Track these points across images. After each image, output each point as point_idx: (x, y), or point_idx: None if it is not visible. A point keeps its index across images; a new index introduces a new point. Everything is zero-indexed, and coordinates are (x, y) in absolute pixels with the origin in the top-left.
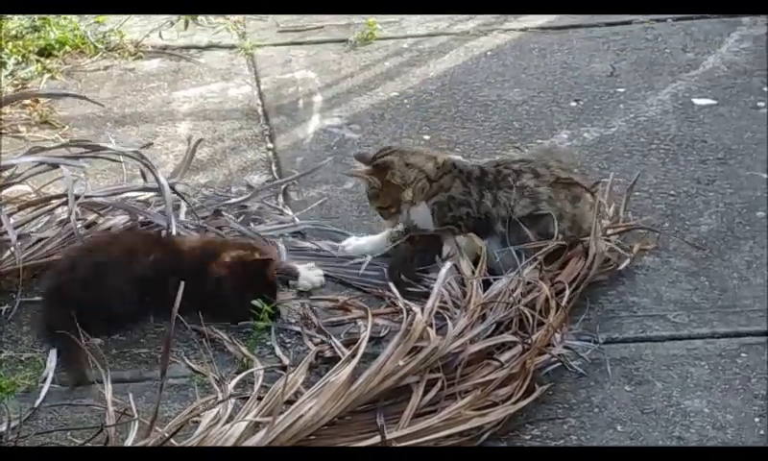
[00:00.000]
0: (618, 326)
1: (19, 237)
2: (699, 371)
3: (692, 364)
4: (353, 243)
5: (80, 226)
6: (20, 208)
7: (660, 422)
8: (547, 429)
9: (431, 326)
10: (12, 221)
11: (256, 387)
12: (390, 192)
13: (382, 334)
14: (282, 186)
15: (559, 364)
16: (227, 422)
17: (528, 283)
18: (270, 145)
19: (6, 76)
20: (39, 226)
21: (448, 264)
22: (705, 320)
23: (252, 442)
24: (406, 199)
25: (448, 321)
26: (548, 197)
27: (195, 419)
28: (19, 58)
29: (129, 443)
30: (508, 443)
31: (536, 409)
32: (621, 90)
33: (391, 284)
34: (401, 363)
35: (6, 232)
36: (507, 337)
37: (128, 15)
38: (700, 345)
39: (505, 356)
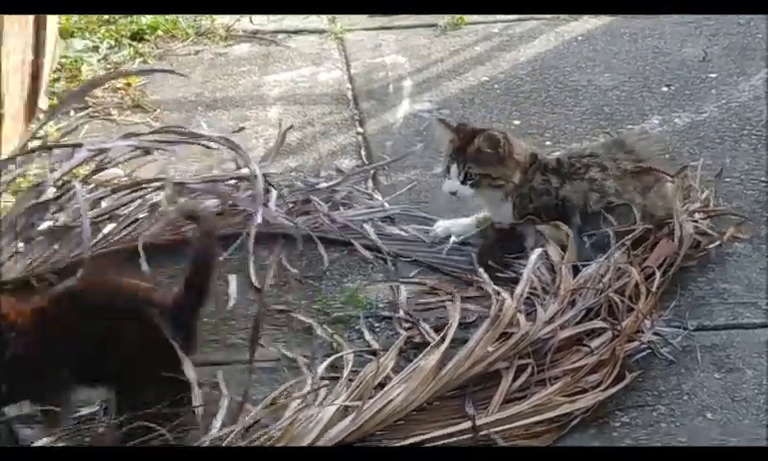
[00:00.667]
0: (709, 313)
1: (109, 219)
2: None
3: None
4: (443, 225)
5: (171, 209)
6: (113, 192)
7: (751, 409)
8: (637, 416)
9: (520, 311)
10: (104, 204)
11: (346, 371)
12: (504, 165)
13: (471, 319)
14: (372, 171)
15: (649, 351)
16: (316, 405)
17: (618, 269)
18: (360, 129)
19: (99, 60)
20: (131, 209)
21: (538, 250)
22: None
23: (341, 426)
24: (513, 180)
25: (538, 306)
26: (615, 190)
27: (284, 402)
28: (112, 42)
29: (217, 424)
30: (597, 430)
31: (625, 396)
32: (713, 76)
33: (480, 269)
34: (491, 349)
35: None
36: (597, 323)
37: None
38: None
39: (595, 343)
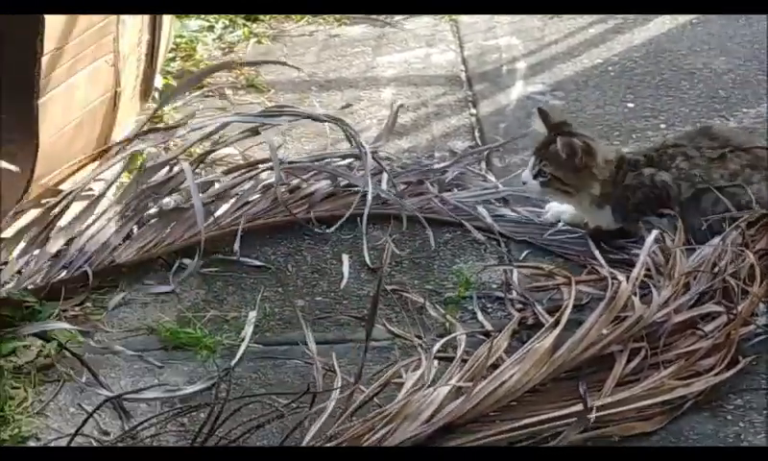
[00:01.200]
0: None
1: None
2: None
3: None
4: (554, 209)
5: (283, 190)
6: (225, 173)
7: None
8: (750, 400)
9: (635, 294)
10: (217, 186)
11: (459, 351)
12: (579, 176)
13: (585, 302)
14: (485, 153)
15: (764, 336)
16: (429, 385)
17: (733, 252)
18: (473, 111)
19: (214, 39)
20: (245, 189)
21: (655, 232)
22: None
23: (453, 406)
24: (591, 191)
25: (653, 289)
26: (701, 178)
27: (397, 381)
28: (227, 22)
29: (332, 403)
30: (711, 413)
31: (739, 379)
32: None
33: (595, 251)
34: (605, 332)
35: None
36: (711, 307)
37: None
38: None
39: (709, 327)
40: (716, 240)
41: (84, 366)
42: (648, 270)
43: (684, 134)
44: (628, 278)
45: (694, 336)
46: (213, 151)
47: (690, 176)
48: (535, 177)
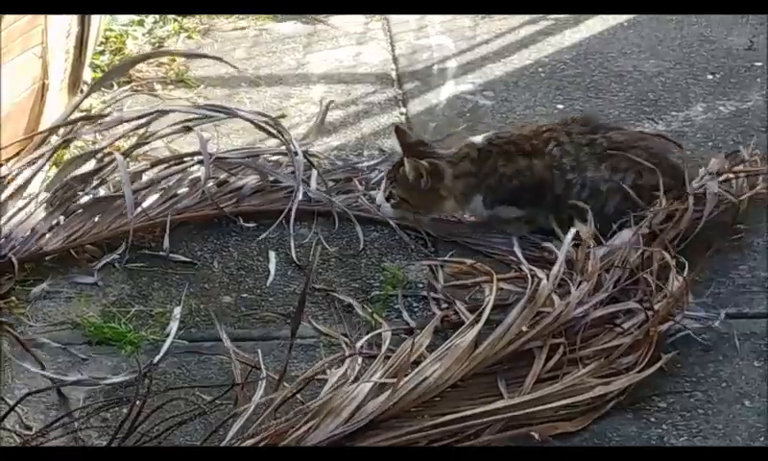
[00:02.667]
0: (749, 301)
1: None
2: None
3: None
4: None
5: (211, 184)
6: (153, 165)
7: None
8: (674, 402)
9: (556, 292)
10: (145, 178)
11: (383, 349)
12: (427, 197)
13: (507, 300)
14: None
15: (685, 333)
16: (353, 382)
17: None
18: (403, 110)
19: (144, 34)
20: (171, 183)
21: (573, 230)
22: None
23: (377, 402)
24: (441, 211)
25: (571, 286)
26: (571, 167)
27: (322, 377)
28: (157, 17)
29: (256, 399)
30: (634, 415)
31: (663, 381)
32: (759, 64)
33: (517, 250)
34: (524, 329)
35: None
36: (630, 304)
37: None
38: None
39: (627, 324)
40: (625, 234)
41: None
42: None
43: (559, 121)
44: (548, 275)
45: (612, 333)
46: (142, 144)
47: (561, 165)
48: (387, 199)
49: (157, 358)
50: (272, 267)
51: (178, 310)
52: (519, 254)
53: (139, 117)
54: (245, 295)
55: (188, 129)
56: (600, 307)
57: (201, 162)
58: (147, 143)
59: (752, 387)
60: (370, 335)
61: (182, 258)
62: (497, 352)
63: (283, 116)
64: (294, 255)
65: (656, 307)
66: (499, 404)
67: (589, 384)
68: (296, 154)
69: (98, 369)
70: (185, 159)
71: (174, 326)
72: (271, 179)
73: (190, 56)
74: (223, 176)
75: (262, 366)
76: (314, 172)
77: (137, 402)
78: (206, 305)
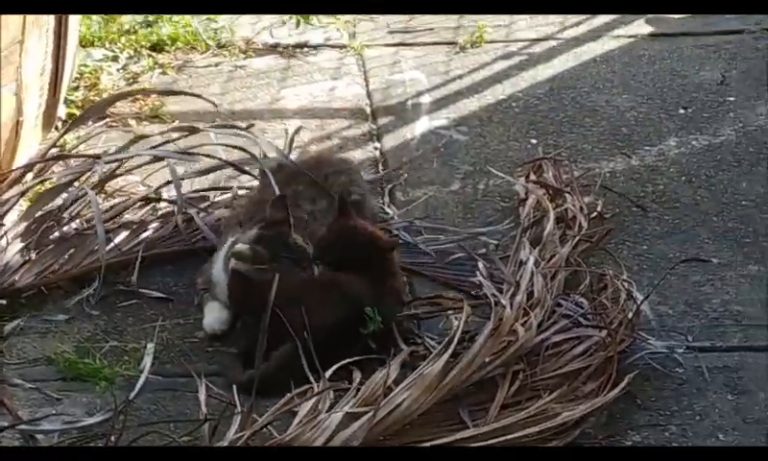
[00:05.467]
0: (722, 334)
1: (122, 227)
2: None
3: None
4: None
5: (181, 219)
6: (126, 201)
7: (762, 431)
8: (648, 435)
9: (518, 320)
10: (117, 213)
11: (355, 382)
12: None
13: (472, 328)
14: (389, 186)
15: (657, 365)
16: (324, 413)
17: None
18: (377, 144)
19: (118, 69)
20: (144, 218)
21: (532, 258)
22: None
23: (348, 432)
24: None
25: (531, 314)
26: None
27: (294, 409)
28: (132, 52)
29: (230, 435)
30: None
31: (637, 415)
32: (731, 99)
33: (483, 281)
34: (487, 360)
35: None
36: (589, 331)
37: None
38: None
39: (580, 348)
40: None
41: None
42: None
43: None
44: (511, 303)
45: (571, 357)
46: (114, 177)
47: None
48: None
49: (132, 394)
50: None
51: (151, 346)
52: (487, 284)
53: (116, 160)
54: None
55: (159, 159)
56: (561, 333)
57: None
58: (118, 176)
59: (725, 421)
60: (336, 366)
61: (157, 294)
62: (464, 381)
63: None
64: None
65: (613, 329)
66: (466, 434)
67: (554, 411)
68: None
69: (72, 405)
70: (159, 193)
71: (148, 361)
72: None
73: (167, 93)
74: (193, 211)
75: (237, 401)
76: None
77: (112, 437)
78: (181, 341)
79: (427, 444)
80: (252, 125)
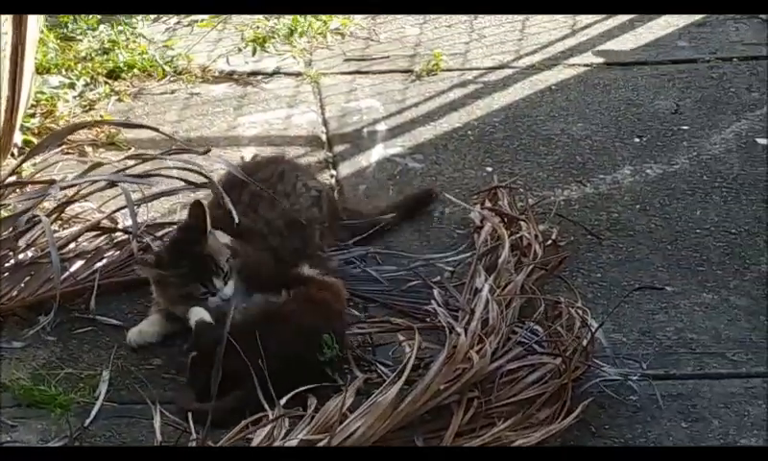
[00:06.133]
0: (676, 362)
1: (78, 256)
2: (756, 410)
3: (750, 403)
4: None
5: (137, 247)
6: (83, 228)
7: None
8: None
9: (473, 348)
10: (73, 241)
11: (310, 409)
12: None
13: (426, 355)
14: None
15: (610, 393)
16: (279, 440)
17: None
18: (333, 172)
19: (75, 96)
20: (100, 246)
21: (486, 286)
22: (763, 359)
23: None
24: None
25: (486, 341)
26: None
27: (249, 437)
28: (88, 79)
29: None
30: None
31: (592, 443)
32: (685, 128)
33: (438, 308)
34: (442, 387)
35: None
36: (544, 358)
37: (194, 39)
38: (758, 383)
39: (534, 376)
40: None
41: None
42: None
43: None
44: (466, 330)
45: (526, 385)
46: (70, 203)
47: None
48: None
49: (88, 421)
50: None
51: (107, 373)
52: (441, 311)
53: (71, 185)
54: (175, 357)
55: (114, 185)
56: (515, 361)
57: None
58: (73, 202)
59: None
60: (290, 394)
61: (112, 321)
62: (418, 409)
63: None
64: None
65: (567, 357)
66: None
67: (508, 438)
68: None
69: (28, 432)
70: (114, 222)
71: (104, 388)
72: None
73: (127, 125)
74: (148, 239)
75: (192, 428)
76: None
77: None
78: (137, 368)
79: None
80: (209, 150)
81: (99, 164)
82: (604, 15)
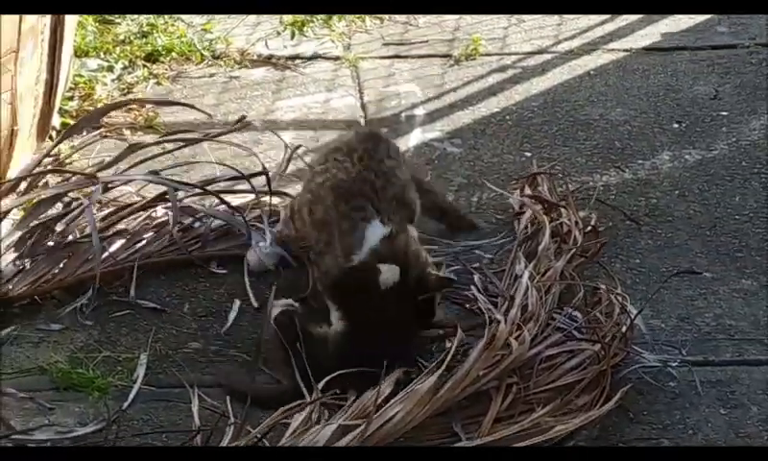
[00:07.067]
0: (715, 348)
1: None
2: None
3: None
4: None
5: (177, 229)
6: (118, 211)
7: (755, 446)
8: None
9: (512, 334)
10: (111, 223)
11: (350, 398)
12: None
13: (466, 342)
14: None
15: (649, 379)
16: (317, 426)
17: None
18: None
19: (113, 80)
20: (138, 228)
21: (527, 272)
22: None
23: (341, 444)
24: None
25: (524, 327)
26: None
27: (286, 421)
28: (126, 63)
29: (223, 445)
30: None
31: (630, 429)
32: (724, 114)
33: (477, 294)
34: (481, 373)
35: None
36: (583, 344)
37: (233, 23)
38: None
39: (573, 362)
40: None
41: None
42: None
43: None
44: (506, 318)
45: (564, 371)
46: (109, 189)
47: None
48: None
49: (126, 405)
50: (232, 315)
51: (144, 356)
52: (480, 297)
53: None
54: (213, 341)
55: (156, 173)
56: (554, 347)
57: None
58: (114, 187)
59: (718, 435)
60: (326, 378)
61: (150, 304)
62: (457, 395)
63: (252, 159)
64: (253, 301)
65: (607, 343)
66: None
67: (547, 424)
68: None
69: (65, 415)
70: (153, 204)
71: (141, 371)
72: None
73: (161, 103)
74: (189, 220)
75: (230, 412)
76: (282, 215)
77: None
78: (174, 351)
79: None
80: (245, 117)
81: (137, 145)
82: None
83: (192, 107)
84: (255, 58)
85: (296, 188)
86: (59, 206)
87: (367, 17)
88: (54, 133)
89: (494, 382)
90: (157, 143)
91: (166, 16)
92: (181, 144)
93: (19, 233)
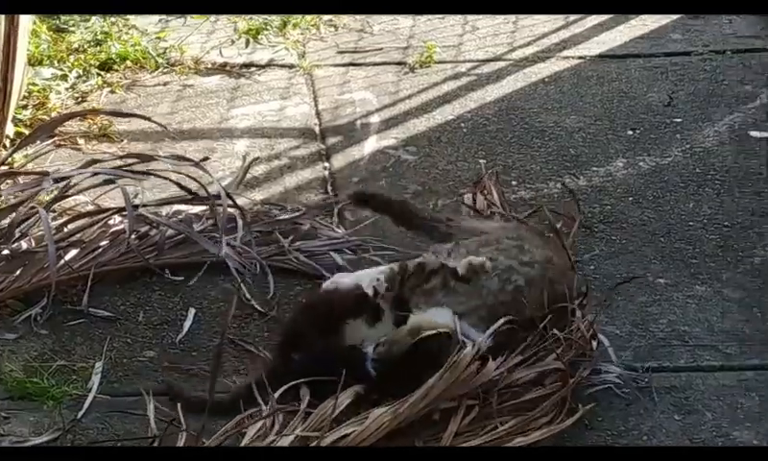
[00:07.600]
0: (669, 354)
1: (70, 246)
2: (749, 402)
3: (743, 395)
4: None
5: (133, 237)
6: (73, 219)
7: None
8: None
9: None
10: (66, 231)
11: (303, 405)
12: None
13: None
14: (338, 207)
15: (605, 387)
16: (272, 435)
17: None
18: (326, 164)
19: (67, 88)
20: (94, 237)
21: None
22: (756, 351)
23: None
24: None
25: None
26: None
27: (242, 431)
28: (80, 71)
29: None
30: None
31: (585, 435)
32: (678, 121)
33: None
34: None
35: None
36: (547, 362)
37: (187, 31)
38: (751, 376)
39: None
40: None
41: None
42: None
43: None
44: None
45: (529, 390)
46: (64, 198)
47: None
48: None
49: (80, 414)
50: (187, 323)
51: (99, 365)
52: None
53: (65, 176)
54: (168, 349)
55: (111, 182)
56: (517, 370)
57: (124, 216)
58: (69, 196)
59: (673, 441)
60: (283, 388)
61: (105, 313)
62: (417, 413)
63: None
64: (213, 309)
65: (566, 359)
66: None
67: (508, 439)
68: (219, 205)
69: (20, 424)
70: (108, 213)
71: (96, 380)
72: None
73: (118, 114)
74: (145, 228)
75: (182, 421)
76: (239, 222)
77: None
78: (129, 360)
79: None
80: (207, 159)
81: (94, 161)
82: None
83: (149, 119)
84: (210, 66)
85: (249, 196)
86: (13, 215)
87: (321, 25)
88: (7, 142)
89: (454, 402)
90: (118, 157)
91: (120, 24)
92: (137, 161)
93: None
